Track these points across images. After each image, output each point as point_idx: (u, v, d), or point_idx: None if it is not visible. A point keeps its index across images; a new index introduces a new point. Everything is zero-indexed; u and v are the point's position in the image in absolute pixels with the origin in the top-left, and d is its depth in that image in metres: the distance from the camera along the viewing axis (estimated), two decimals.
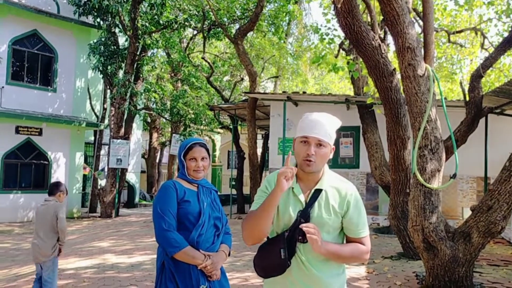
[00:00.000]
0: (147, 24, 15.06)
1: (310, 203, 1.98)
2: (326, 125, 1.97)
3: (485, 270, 6.11)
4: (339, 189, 2.03)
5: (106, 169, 15.89)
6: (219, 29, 15.63)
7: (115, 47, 15.61)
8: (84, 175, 16.94)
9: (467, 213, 7.81)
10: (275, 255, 1.94)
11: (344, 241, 2.07)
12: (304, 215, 1.96)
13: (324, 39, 10.54)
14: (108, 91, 16.86)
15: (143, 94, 17.25)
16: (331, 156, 2.03)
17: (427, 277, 5.10)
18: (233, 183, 16.71)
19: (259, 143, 16.94)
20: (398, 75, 5.87)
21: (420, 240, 4.94)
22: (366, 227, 2.04)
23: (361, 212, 2.03)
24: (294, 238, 1.94)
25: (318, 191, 2.00)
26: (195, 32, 17.87)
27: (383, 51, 5.87)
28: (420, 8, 8.53)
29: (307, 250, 1.96)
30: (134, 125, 18.34)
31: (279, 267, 1.94)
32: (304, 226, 1.86)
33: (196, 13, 15.71)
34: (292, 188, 2.01)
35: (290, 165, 1.89)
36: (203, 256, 2.49)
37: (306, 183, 2.04)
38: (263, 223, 1.91)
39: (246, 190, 16.53)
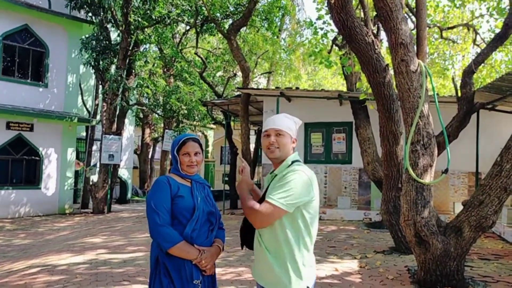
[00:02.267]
0: (139, 19, 14.97)
1: (268, 186, 2.28)
2: (284, 120, 2.31)
3: (476, 264, 6.17)
4: (286, 171, 2.19)
5: (98, 165, 15.82)
6: (212, 24, 15.57)
7: (107, 42, 15.49)
8: (76, 171, 16.84)
9: (459, 208, 7.88)
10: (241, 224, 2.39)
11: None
12: (263, 195, 2.26)
13: (318, 32, 10.56)
14: (100, 86, 16.74)
15: (136, 90, 17.18)
16: (294, 145, 2.31)
17: (419, 271, 5.14)
18: (226, 178, 16.71)
19: (252, 138, 16.95)
20: (391, 71, 5.89)
21: (412, 234, 4.98)
22: (278, 197, 2.07)
23: (284, 184, 2.11)
24: None
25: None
26: (188, 27, 17.79)
27: (376, 47, 5.88)
28: (413, 4, 8.57)
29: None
30: (126, 120, 18.25)
31: (241, 233, 2.39)
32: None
33: (189, 8, 15.64)
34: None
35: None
36: (197, 250, 2.49)
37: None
38: None
39: None
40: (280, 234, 2.13)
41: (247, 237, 2.37)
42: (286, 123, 2.29)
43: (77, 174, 17.29)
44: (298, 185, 2.09)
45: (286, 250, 2.12)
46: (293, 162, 2.24)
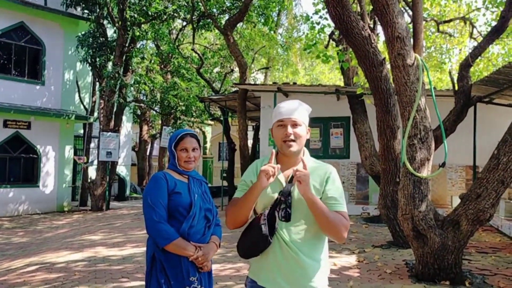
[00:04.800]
0: (135, 15, 14.90)
1: (290, 182, 2.05)
2: (298, 108, 2.10)
3: (474, 258, 6.20)
4: (318, 168, 2.12)
5: (95, 162, 15.81)
6: (209, 20, 15.51)
7: (103, 39, 15.44)
8: (75, 167, 16.82)
9: (456, 201, 7.89)
10: (256, 232, 1.99)
11: None
12: (285, 193, 2.03)
13: (314, 27, 10.54)
14: (97, 83, 16.70)
15: (133, 86, 17.14)
16: (308, 136, 2.12)
17: (417, 265, 5.16)
18: (224, 175, 16.72)
19: (250, 134, 16.92)
20: (388, 65, 5.89)
21: (409, 228, 4.99)
22: (344, 204, 2.09)
23: (338, 188, 2.11)
24: (274, 215, 2.00)
25: None
26: (185, 23, 17.74)
27: (372, 41, 5.87)
28: None
29: (289, 230, 2.01)
30: (123, 117, 18.20)
31: (260, 243, 1.99)
32: (297, 170, 1.93)
33: (186, 4, 15.57)
34: None
35: (273, 162, 1.99)
36: (194, 247, 2.48)
37: (287, 165, 2.11)
38: (244, 212, 2.02)
39: (237, 181, 16.45)
40: (322, 237, 2.10)
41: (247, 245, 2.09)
42: (302, 112, 2.10)
43: (75, 171, 17.27)
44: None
45: (322, 249, 2.09)
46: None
